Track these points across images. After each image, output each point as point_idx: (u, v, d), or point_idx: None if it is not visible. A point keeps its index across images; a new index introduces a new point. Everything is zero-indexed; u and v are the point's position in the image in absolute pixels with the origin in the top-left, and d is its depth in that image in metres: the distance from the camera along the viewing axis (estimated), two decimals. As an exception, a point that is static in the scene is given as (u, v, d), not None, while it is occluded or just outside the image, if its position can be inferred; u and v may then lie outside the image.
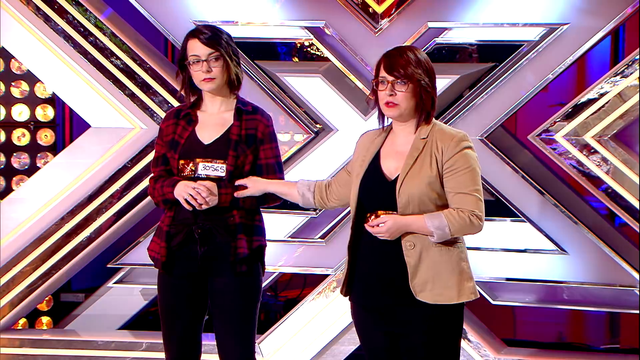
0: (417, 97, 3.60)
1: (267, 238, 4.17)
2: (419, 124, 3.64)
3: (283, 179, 4.12)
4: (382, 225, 3.54)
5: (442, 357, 3.61)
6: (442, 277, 3.56)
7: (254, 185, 3.99)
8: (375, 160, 3.67)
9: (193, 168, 4.02)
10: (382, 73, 3.62)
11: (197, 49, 4.00)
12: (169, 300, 4.11)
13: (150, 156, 5.82)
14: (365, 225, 3.59)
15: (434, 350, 3.59)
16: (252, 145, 4.03)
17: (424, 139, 3.61)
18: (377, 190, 3.61)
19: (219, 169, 4.01)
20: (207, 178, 4.00)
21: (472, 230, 3.57)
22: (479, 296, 3.67)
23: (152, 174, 4.14)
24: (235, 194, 3.98)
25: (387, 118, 3.69)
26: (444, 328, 3.60)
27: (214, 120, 4.08)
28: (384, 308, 3.62)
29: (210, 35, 4.01)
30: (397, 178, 3.59)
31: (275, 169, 4.09)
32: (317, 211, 5.61)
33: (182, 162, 4.02)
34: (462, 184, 3.56)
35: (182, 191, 3.96)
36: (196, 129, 4.06)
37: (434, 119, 3.67)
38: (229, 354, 4.09)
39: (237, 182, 3.99)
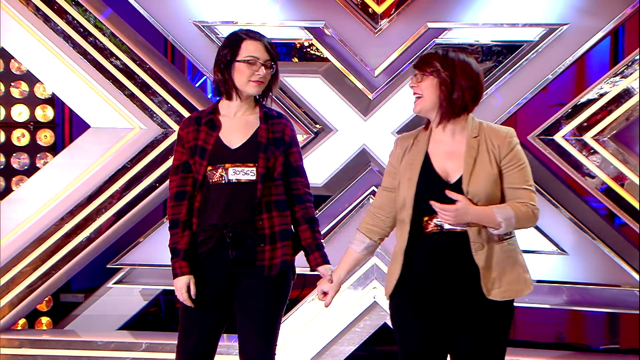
0: (438, 89, 3.64)
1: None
2: (442, 119, 3.65)
3: (307, 180, 4.13)
4: (452, 207, 3.52)
5: (499, 351, 3.69)
6: (506, 273, 3.64)
7: (333, 287, 3.94)
8: (427, 162, 3.67)
9: (223, 173, 4.00)
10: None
11: (257, 51, 4.00)
12: (197, 302, 4.05)
13: (150, 156, 5.85)
14: (433, 203, 3.55)
15: (494, 345, 3.67)
16: (280, 147, 4.04)
17: (476, 137, 3.65)
18: (437, 193, 3.58)
19: (249, 172, 3.99)
20: (238, 182, 3.99)
21: (531, 222, 3.64)
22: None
23: (171, 187, 4.08)
24: (325, 306, 3.98)
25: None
26: (505, 323, 3.69)
27: (237, 124, 4.06)
28: (448, 309, 3.64)
29: (270, 42, 4.04)
30: (460, 179, 3.60)
31: (304, 172, 4.13)
32: (317, 211, 5.60)
33: (210, 168, 4.00)
34: (518, 179, 3.64)
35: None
36: (220, 134, 4.04)
37: (472, 116, 3.68)
38: (251, 354, 4.06)
39: (319, 288, 3.95)
